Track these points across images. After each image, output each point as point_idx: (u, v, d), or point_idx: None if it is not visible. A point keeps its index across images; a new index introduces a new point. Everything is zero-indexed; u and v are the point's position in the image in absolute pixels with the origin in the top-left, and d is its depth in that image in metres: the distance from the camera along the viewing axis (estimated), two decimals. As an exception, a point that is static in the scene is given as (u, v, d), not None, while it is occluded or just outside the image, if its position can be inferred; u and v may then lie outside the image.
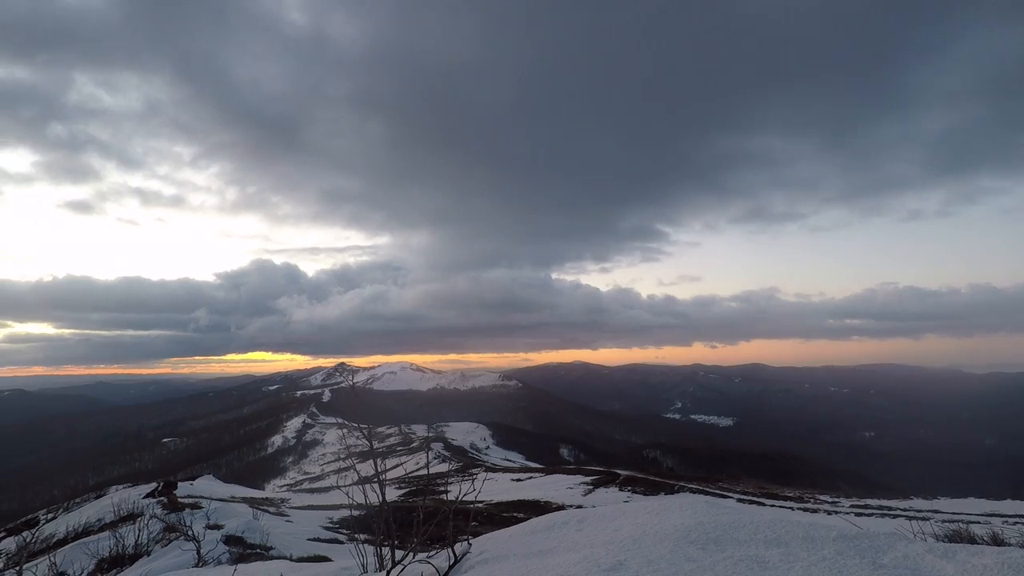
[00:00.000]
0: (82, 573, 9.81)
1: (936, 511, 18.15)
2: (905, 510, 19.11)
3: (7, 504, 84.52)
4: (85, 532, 15.16)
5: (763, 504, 21.56)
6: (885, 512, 18.58)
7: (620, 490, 26.71)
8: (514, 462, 72.63)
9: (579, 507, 21.76)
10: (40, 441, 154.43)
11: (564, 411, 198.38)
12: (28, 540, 10.43)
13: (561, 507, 21.90)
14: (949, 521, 13.36)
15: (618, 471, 33.14)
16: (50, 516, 22.33)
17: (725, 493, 25.03)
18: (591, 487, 27.96)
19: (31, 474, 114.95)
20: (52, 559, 10.42)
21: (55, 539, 15.03)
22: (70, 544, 12.86)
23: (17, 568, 4.75)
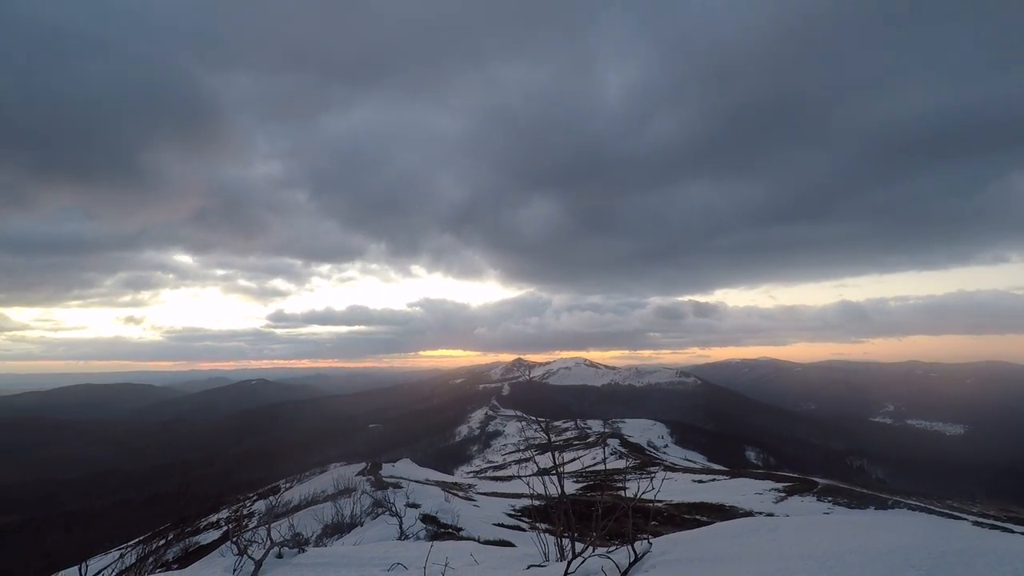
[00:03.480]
0: (312, 535, 11.62)
1: None
2: None
3: (257, 473, 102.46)
4: (313, 501, 17.94)
5: (1010, 531, 17.89)
6: None
7: (818, 500, 24.07)
8: (694, 462, 69.34)
9: (770, 515, 20.19)
10: (277, 422, 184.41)
11: (748, 410, 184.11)
12: (273, 504, 12.64)
13: (748, 513, 20.45)
14: None
15: (815, 479, 29.92)
16: (288, 485, 26.81)
17: (956, 514, 21.30)
18: (783, 494, 25.63)
19: (273, 449, 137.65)
20: (290, 521, 12.51)
21: (291, 505, 18.01)
22: (303, 510, 15.32)
23: (267, 527, 5.89)
